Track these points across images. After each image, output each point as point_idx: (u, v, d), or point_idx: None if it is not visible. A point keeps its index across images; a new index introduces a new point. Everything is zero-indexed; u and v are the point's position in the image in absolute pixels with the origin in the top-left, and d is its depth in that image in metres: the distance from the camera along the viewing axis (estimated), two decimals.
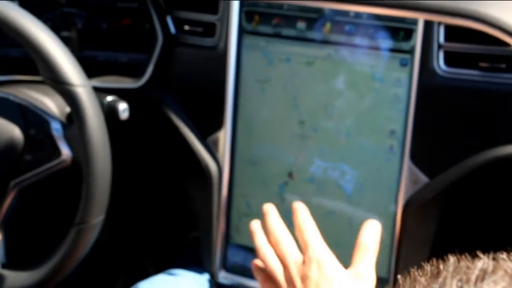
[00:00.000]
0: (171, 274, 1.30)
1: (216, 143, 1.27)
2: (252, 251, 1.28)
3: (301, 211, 1.04)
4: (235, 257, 1.30)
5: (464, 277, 0.42)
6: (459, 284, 0.42)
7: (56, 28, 1.12)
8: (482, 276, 0.42)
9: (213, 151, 1.27)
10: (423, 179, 1.14)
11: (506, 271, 0.42)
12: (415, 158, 1.14)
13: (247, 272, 1.29)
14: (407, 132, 1.13)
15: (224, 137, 1.26)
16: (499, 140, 1.08)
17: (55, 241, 1.11)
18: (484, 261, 0.44)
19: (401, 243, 1.16)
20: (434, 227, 1.13)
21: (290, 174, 1.23)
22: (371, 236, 1.00)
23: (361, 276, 0.97)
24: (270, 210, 1.06)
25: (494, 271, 0.42)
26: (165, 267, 1.33)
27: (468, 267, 0.43)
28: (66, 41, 1.09)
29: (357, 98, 1.17)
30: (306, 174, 1.19)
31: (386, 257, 1.18)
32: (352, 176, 1.20)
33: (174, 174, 1.40)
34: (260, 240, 1.05)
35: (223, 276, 1.31)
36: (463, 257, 0.45)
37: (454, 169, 1.11)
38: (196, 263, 1.34)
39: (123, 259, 1.62)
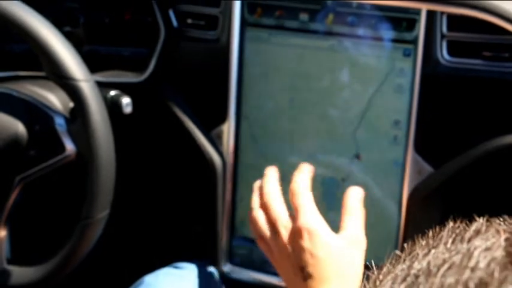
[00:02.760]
0: (176, 267, 1.30)
1: (220, 136, 1.27)
2: (256, 244, 1.28)
3: (301, 172, 1.04)
4: (241, 249, 1.30)
5: (459, 237, 0.45)
6: (454, 241, 0.44)
7: (58, 23, 1.11)
8: (476, 235, 0.44)
9: (217, 144, 1.27)
10: (428, 169, 1.14)
11: (497, 230, 0.45)
12: (419, 148, 1.14)
13: (252, 264, 1.30)
14: (412, 123, 1.13)
15: (228, 130, 1.26)
16: (503, 129, 1.08)
17: (60, 236, 1.11)
18: (478, 223, 0.46)
19: (406, 233, 1.16)
20: (439, 217, 1.13)
21: (294, 167, 1.23)
22: (357, 200, 1.00)
23: (354, 241, 0.98)
24: (270, 172, 1.06)
25: (486, 230, 0.45)
26: (170, 260, 1.33)
27: (464, 228, 0.46)
28: (68, 36, 1.09)
29: (360, 89, 1.16)
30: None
31: (392, 247, 1.18)
32: (356, 167, 1.20)
33: (178, 167, 1.40)
34: (254, 202, 1.05)
35: (229, 269, 1.32)
36: (462, 221, 0.47)
37: (458, 159, 1.11)
38: (201, 256, 1.34)
39: (129, 253, 1.63)
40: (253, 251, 1.29)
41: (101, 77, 1.26)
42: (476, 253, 0.41)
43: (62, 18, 1.31)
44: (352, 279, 0.97)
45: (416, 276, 0.41)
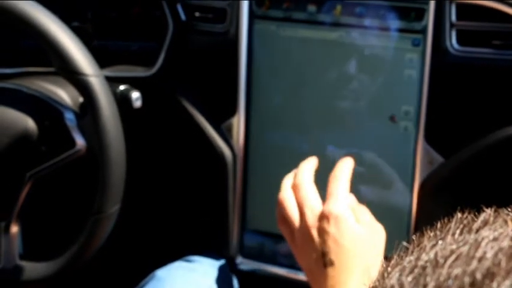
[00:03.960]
0: (188, 261, 1.31)
1: (230, 130, 1.27)
2: (268, 236, 1.28)
3: (344, 162, 1.04)
4: (252, 242, 1.30)
5: (467, 227, 0.45)
6: (462, 232, 0.44)
7: (66, 19, 1.11)
8: (483, 225, 0.44)
9: (227, 137, 1.27)
10: (438, 159, 1.14)
11: (505, 220, 0.44)
12: (429, 138, 1.14)
13: (264, 257, 1.30)
14: (422, 113, 1.13)
15: (238, 123, 1.26)
16: None
17: (72, 231, 1.11)
18: (486, 214, 0.46)
19: (418, 223, 1.16)
20: (451, 206, 1.12)
21: (304, 159, 1.23)
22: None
23: (376, 230, 0.98)
24: (310, 159, 1.07)
25: (494, 221, 0.45)
26: (182, 253, 1.33)
27: (472, 219, 0.46)
28: (77, 32, 1.09)
29: (369, 80, 1.16)
30: (320, 160, 1.19)
31: (404, 238, 1.18)
32: (366, 160, 1.19)
33: (189, 161, 1.40)
34: (286, 182, 1.05)
35: (240, 262, 1.32)
36: (470, 212, 0.47)
37: (469, 148, 1.10)
38: (213, 249, 1.34)
39: (140, 247, 1.63)
40: (264, 244, 1.29)
41: (110, 71, 1.26)
42: (483, 243, 0.41)
43: (70, 13, 1.31)
44: (373, 272, 0.96)
45: (424, 268, 0.41)
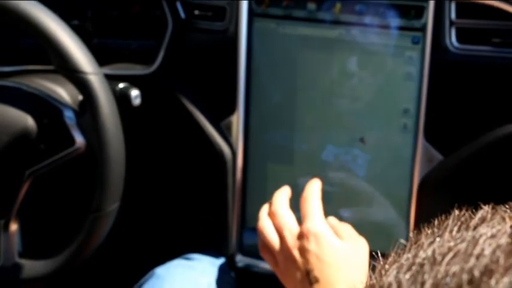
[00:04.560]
0: (187, 259, 1.31)
1: (229, 127, 1.27)
2: None
3: (312, 184, 1.06)
4: (251, 240, 1.30)
5: (464, 224, 0.45)
6: (459, 229, 0.44)
7: (66, 17, 1.11)
8: (481, 222, 0.44)
9: (226, 135, 1.27)
10: (438, 157, 1.14)
11: (503, 217, 0.44)
12: (429, 136, 1.14)
13: None
14: (421, 111, 1.13)
15: (237, 121, 1.26)
16: None
17: (71, 229, 1.11)
18: (484, 211, 0.46)
19: (417, 221, 1.16)
20: (450, 204, 1.12)
21: (303, 156, 1.23)
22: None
23: (358, 244, 0.99)
24: (283, 188, 1.09)
25: (492, 217, 0.45)
26: (181, 251, 1.33)
27: (470, 216, 0.46)
28: (77, 30, 1.09)
29: (369, 77, 1.16)
30: (319, 157, 1.19)
31: (403, 235, 1.18)
32: (365, 157, 1.19)
33: (188, 159, 1.40)
34: (262, 212, 1.07)
35: (239, 260, 1.32)
36: (467, 209, 0.47)
37: (469, 146, 1.10)
38: (212, 247, 1.34)
39: (139, 245, 1.63)
40: None
41: (109, 69, 1.26)
42: (481, 241, 0.41)
43: (70, 12, 1.31)
44: (358, 281, 0.97)
45: (421, 265, 0.41)
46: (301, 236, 0.99)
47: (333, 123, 1.20)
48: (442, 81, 1.11)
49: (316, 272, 0.96)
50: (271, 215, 1.06)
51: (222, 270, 1.30)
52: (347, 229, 1.03)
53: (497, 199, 0.50)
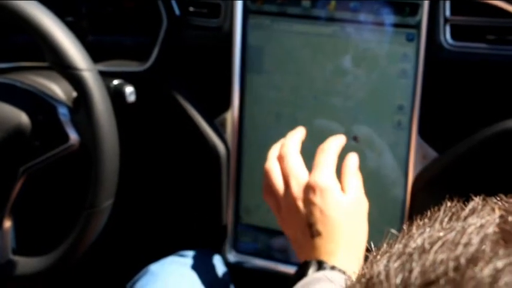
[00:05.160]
0: (181, 255, 1.31)
1: (223, 124, 1.27)
2: (261, 231, 1.28)
3: (335, 137, 1.05)
4: (246, 237, 1.31)
5: (455, 215, 0.45)
6: (450, 220, 0.45)
7: (60, 14, 1.11)
8: (471, 213, 0.45)
9: (220, 132, 1.27)
10: (432, 153, 1.14)
11: (492, 208, 0.45)
12: (423, 133, 1.14)
13: (257, 252, 1.30)
14: (415, 108, 1.13)
15: (231, 117, 1.26)
16: (507, 112, 1.08)
17: (65, 226, 1.11)
18: (474, 202, 0.47)
19: (411, 217, 1.16)
20: (444, 201, 1.13)
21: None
22: (355, 163, 1.02)
23: (359, 199, 0.99)
24: (298, 129, 1.07)
25: (482, 208, 0.45)
26: (175, 248, 1.33)
27: (461, 208, 0.46)
28: (71, 27, 1.09)
29: (364, 74, 1.16)
30: (313, 155, 1.19)
31: (397, 231, 1.18)
32: (361, 152, 1.19)
33: (183, 155, 1.40)
34: (271, 152, 1.05)
35: (234, 256, 1.32)
36: (458, 200, 0.48)
37: (463, 143, 1.11)
38: (206, 243, 1.34)
39: (134, 242, 1.63)
40: (258, 238, 1.29)
41: (103, 66, 1.26)
42: (469, 230, 0.42)
43: (64, 8, 1.31)
44: (359, 242, 0.97)
45: (411, 254, 0.42)
46: (307, 187, 0.97)
47: (328, 118, 1.20)
48: (437, 79, 1.12)
49: (319, 226, 0.95)
50: (280, 158, 1.03)
51: (216, 267, 1.30)
52: (356, 180, 1.02)
53: (491, 196, 0.51)
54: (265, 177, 1.04)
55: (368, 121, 1.18)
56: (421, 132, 1.14)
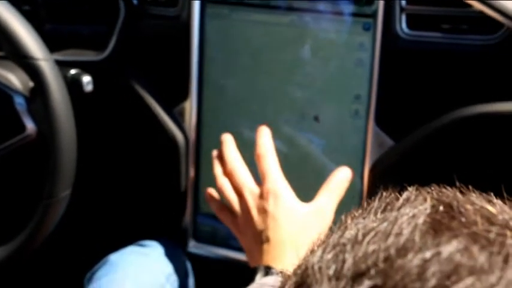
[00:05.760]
0: (141, 245, 1.31)
1: (182, 113, 1.27)
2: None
3: (263, 135, 1.05)
4: (205, 226, 1.31)
5: (389, 206, 0.47)
6: (384, 210, 0.46)
7: (17, 2, 1.10)
8: (405, 203, 0.46)
9: (179, 122, 1.27)
10: (389, 142, 1.15)
11: (425, 198, 0.46)
12: (380, 121, 1.15)
13: (217, 241, 1.30)
14: (372, 97, 1.14)
15: (190, 107, 1.26)
16: (462, 100, 1.09)
17: (23, 216, 1.10)
18: (408, 192, 0.48)
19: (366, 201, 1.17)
20: (400, 189, 1.14)
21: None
22: (340, 180, 1.02)
23: (321, 211, 0.99)
24: (227, 139, 1.08)
25: (415, 198, 0.46)
26: (135, 238, 1.33)
27: (396, 198, 0.48)
28: (28, 15, 1.08)
29: (321, 64, 1.17)
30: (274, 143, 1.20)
31: None
32: (318, 143, 1.20)
33: (141, 145, 1.40)
34: (217, 170, 1.06)
35: (193, 246, 1.32)
36: (394, 191, 0.49)
37: (419, 131, 1.12)
38: (166, 233, 1.34)
39: (93, 232, 1.62)
40: (217, 228, 1.29)
41: (60, 56, 1.25)
42: (401, 220, 0.42)
43: None
44: (305, 245, 0.97)
45: (344, 245, 0.43)
46: (261, 196, 0.98)
47: (286, 108, 1.21)
48: (393, 67, 1.12)
49: (269, 232, 0.96)
50: (228, 174, 1.04)
51: (176, 256, 1.30)
52: (326, 196, 1.02)
53: (446, 183, 0.51)
54: (219, 194, 1.05)
55: (326, 110, 1.18)
56: (378, 121, 1.15)
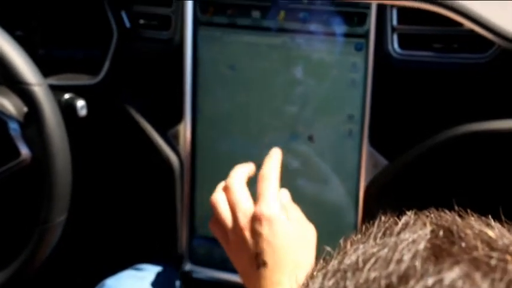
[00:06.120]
0: (137, 269, 1.30)
1: (176, 136, 1.27)
2: (216, 242, 1.28)
3: (272, 157, 1.04)
4: (201, 248, 1.30)
5: (388, 231, 0.46)
6: (383, 235, 0.46)
7: (10, 28, 1.11)
8: (404, 228, 0.46)
9: (173, 144, 1.27)
10: (383, 162, 1.15)
11: (424, 223, 0.46)
12: (374, 141, 1.15)
13: (213, 263, 1.30)
14: (366, 117, 1.14)
15: (184, 129, 1.26)
16: (455, 119, 1.09)
17: (18, 242, 1.10)
18: (407, 216, 0.48)
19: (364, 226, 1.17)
20: (395, 209, 1.14)
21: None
22: (288, 198, 1.03)
23: (306, 228, 1.00)
24: (246, 164, 1.07)
25: (414, 223, 0.46)
26: (131, 262, 1.32)
27: (395, 222, 0.47)
28: (21, 41, 1.08)
29: (314, 85, 1.17)
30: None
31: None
32: (312, 162, 1.20)
33: (136, 168, 1.40)
34: (219, 185, 1.05)
35: (189, 268, 1.32)
36: (392, 215, 0.49)
37: (412, 150, 1.12)
38: (162, 256, 1.34)
39: (89, 256, 1.62)
40: (213, 250, 1.29)
41: (55, 80, 1.25)
42: (401, 246, 0.42)
43: (13, 22, 1.30)
44: (305, 267, 0.97)
45: (345, 271, 0.42)
46: (254, 218, 0.97)
47: (280, 129, 1.21)
48: (386, 87, 1.13)
49: (266, 256, 0.95)
50: (226, 189, 1.04)
51: (172, 280, 1.30)
52: (296, 211, 1.02)
53: (440, 203, 0.51)
54: (212, 208, 1.04)
55: (320, 131, 1.18)
56: (372, 141, 1.15)
